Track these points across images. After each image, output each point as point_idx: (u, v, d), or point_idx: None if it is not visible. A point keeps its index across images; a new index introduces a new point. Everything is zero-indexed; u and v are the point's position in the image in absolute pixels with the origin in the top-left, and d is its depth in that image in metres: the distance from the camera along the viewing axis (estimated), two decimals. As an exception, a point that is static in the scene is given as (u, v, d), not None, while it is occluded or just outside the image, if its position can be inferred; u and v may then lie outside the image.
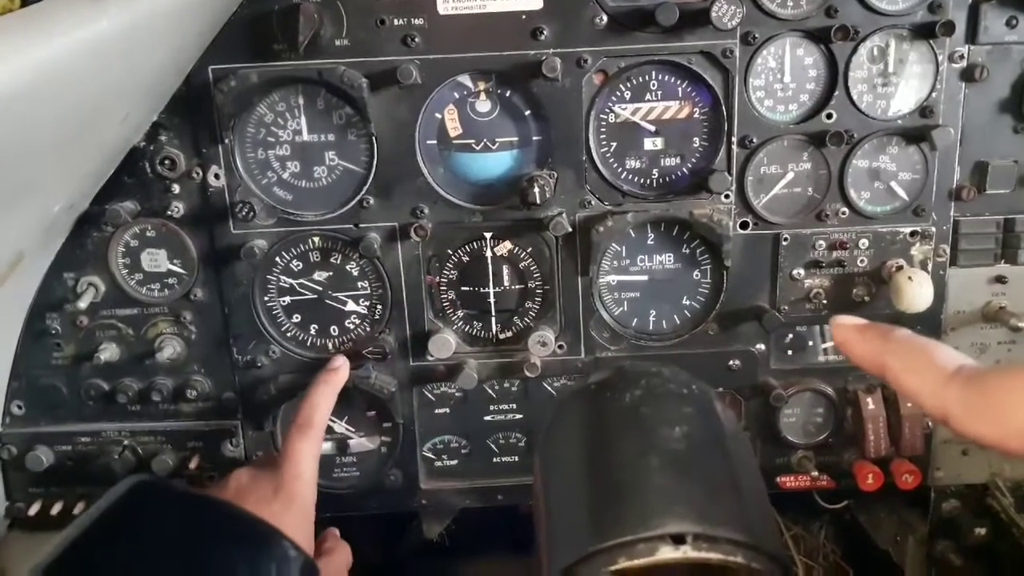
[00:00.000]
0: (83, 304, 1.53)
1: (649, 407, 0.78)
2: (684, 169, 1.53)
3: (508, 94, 1.49)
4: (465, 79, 1.47)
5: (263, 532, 1.05)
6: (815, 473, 1.67)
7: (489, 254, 1.57)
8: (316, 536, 1.41)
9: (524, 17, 1.42)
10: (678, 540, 0.64)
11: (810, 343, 1.63)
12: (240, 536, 1.04)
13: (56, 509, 1.62)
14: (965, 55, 1.46)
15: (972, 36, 1.45)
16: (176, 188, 1.51)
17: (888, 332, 0.71)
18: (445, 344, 1.57)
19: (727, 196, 1.53)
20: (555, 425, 0.87)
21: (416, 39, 1.42)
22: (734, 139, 1.49)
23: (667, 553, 0.64)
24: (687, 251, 1.58)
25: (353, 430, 1.68)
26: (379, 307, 1.59)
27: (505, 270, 1.58)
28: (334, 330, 1.61)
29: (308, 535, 1.33)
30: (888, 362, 0.70)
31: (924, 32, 1.44)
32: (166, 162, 1.49)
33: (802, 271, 1.56)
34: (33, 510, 1.62)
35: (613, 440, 0.76)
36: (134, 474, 1.05)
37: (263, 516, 1.27)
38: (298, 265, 1.57)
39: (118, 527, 0.98)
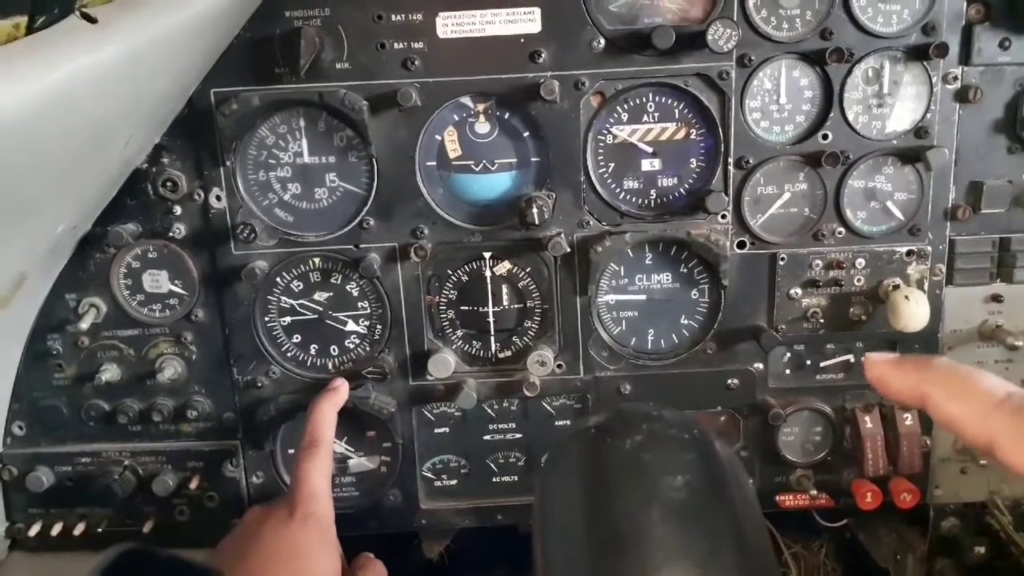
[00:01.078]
0: (84, 325, 1.54)
1: (650, 454, 0.77)
2: (681, 190, 1.54)
3: (507, 116, 1.51)
4: (465, 99, 1.49)
5: None
6: (814, 492, 1.67)
7: (488, 274, 1.58)
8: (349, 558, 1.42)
9: (523, 40, 1.44)
10: None
11: (808, 362, 1.63)
12: None
13: (56, 530, 1.62)
14: (959, 76, 1.48)
15: (966, 58, 1.47)
16: (178, 210, 1.52)
17: (927, 362, 0.69)
18: (444, 364, 1.57)
19: (724, 216, 1.54)
20: (553, 468, 0.86)
21: (416, 62, 1.44)
22: (731, 160, 1.51)
23: None
24: (685, 271, 1.59)
25: (353, 450, 1.69)
26: (379, 327, 1.60)
27: (504, 290, 1.59)
28: (334, 350, 1.62)
29: (332, 551, 1.33)
30: (929, 391, 0.67)
31: (918, 54, 1.46)
32: (168, 184, 1.50)
33: (799, 290, 1.57)
34: (33, 531, 1.62)
35: (614, 488, 0.76)
36: (122, 543, 1.02)
37: (283, 539, 1.27)
38: (299, 286, 1.58)
39: None
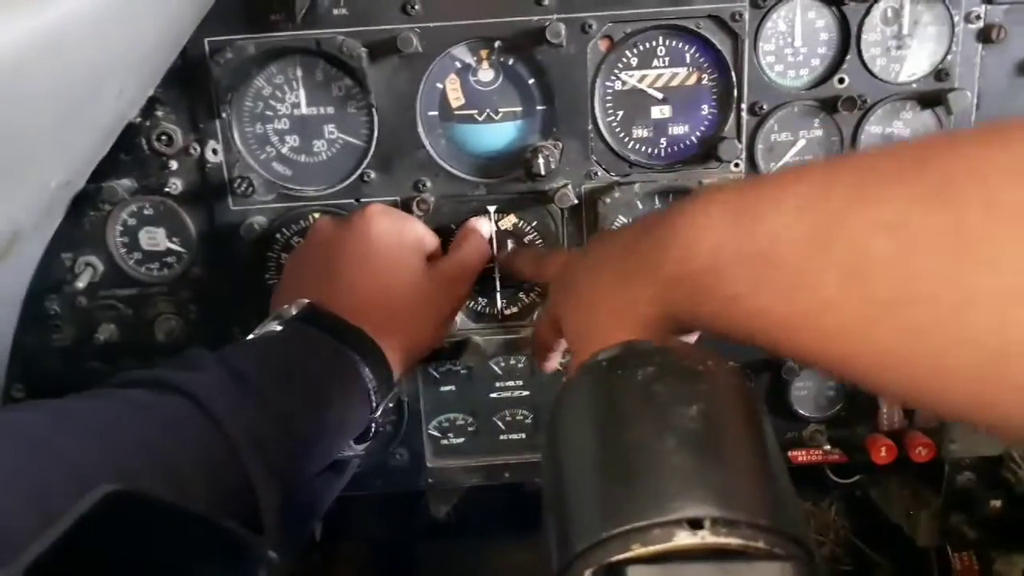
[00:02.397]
0: (81, 284, 1.51)
1: (663, 384, 0.73)
2: (693, 137, 1.49)
3: (511, 62, 1.45)
4: (465, 54, 1.44)
5: (249, 548, 0.98)
6: (827, 447, 1.65)
7: (493, 228, 1.54)
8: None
9: None
10: (695, 525, 0.61)
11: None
12: (225, 553, 0.98)
13: (59, 492, 1.61)
14: (982, 15, 1.42)
15: (989, -5, 1.41)
16: (174, 164, 1.48)
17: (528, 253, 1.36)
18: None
19: (737, 165, 1.49)
20: (562, 404, 0.83)
21: (416, 6, 1.39)
22: (744, 106, 1.46)
23: (684, 539, 0.60)
24: (696, 222, 1.55)
25: (358, 409, 1.66)
26: (382, 283, 1.56)
27: (510, 244, 1.55)
28: (337, 307, 1.58)
29: (409, 232, 1.38)
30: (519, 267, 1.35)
31: (939, -8, 1.40)
32: (163, 138, 1.45)
33: (814, 241, 1.53)
34: (36, 493, 1.61)
35: (625, 420, 0.72)
36: (105, 484, 0.96)
37: (357, 234, 1.31)
38: (299, 242, 1.54)
39: (88, 543, 0.91)
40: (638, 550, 0.61)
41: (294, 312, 1.16)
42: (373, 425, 1.22)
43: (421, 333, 1.30)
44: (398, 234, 1.35)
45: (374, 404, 1.16)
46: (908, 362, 0.63)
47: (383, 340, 1.18)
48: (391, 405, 1.23)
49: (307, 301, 1.17)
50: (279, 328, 1.14)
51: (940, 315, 0.58)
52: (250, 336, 1.17)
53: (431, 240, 1.45)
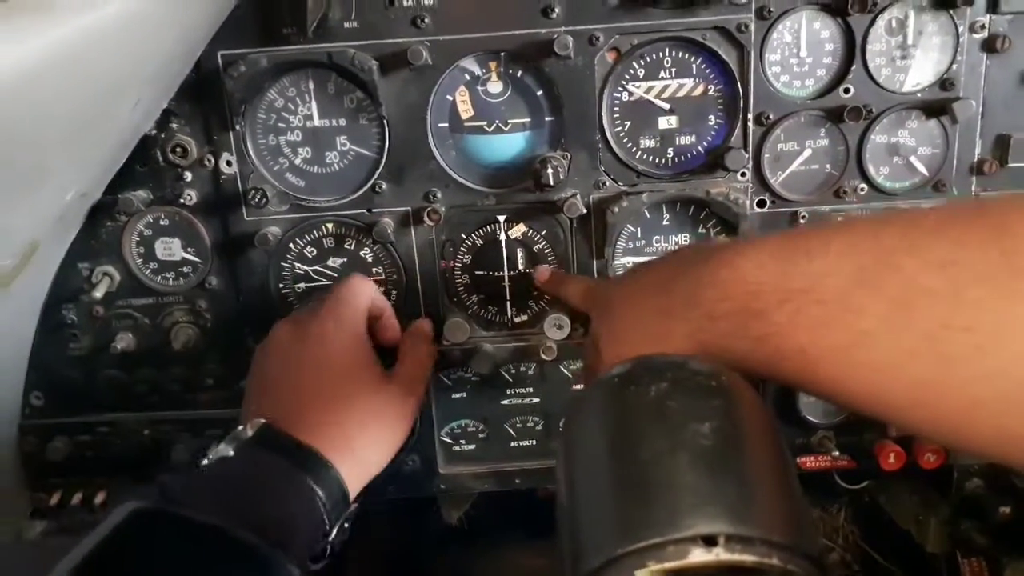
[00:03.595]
0: (98, 294, 1.53)
1: (676, 401, 0.75)
2: (700, 147, 1.51)
3: (520, 74, 1.47)
4: (474, 65, 1.46)
5: (270, 561, 1.00)
6: (836, 453, 1.65)
7: (503, 237, 1.56)
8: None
9: None
10: (710, 542, 0.62)
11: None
12: (248, 567, 0.99)
13: (76, 499, 1.63)
14: (986, 25, 1.43)
15: (993, 5, 1.41)
16: (188, 176, 1.51)
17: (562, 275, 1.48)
18: (460, 328, 1.56)
19: (743, 174, 1.50)
20: (575, 420, 0.84)
21: (426, 20, 1.41)
22: (750, 116, 1.47)
23: (699, 556, 0.61)
24: (704, 231, 1.56)
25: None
26: (394, 292, 1.59)
27: (520, 253, 1.57)
28: (349, 316, 1.60)
29: (364, 345, 1.35)
30: (556, 289, 1.45)
31: (944, 2, 1.41)
32: (178, 150, 1.48)
33: (821, 249, 1.54)
34: (54, 500, 1.63)
35: (639, 436, 0.73)
36: (132, 500, 0.96)
37: (312, 341, 1.29)
38: (312, 252, 1.57)
39: (120, 560, 0.90)
40: (653, 567, 0.62)
41: (250, 434, 1.14)
42: (328, 546, 1.17)
43: (376, 452, 1.27)
44: (353, 340, 1.34)
45: (327, 527, 1.14)
46: (938, 394, 0.66)
47: (338, 460, 1.16)
48: (347, 525, 1.22)
49: (263, 421, 1.15)
50: (232, 454, 1.11)
51: (975, 343, 0.62)
52: (205, 461, 1.11)
53: (379, 304, 1.47)
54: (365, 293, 1.41)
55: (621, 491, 0.70)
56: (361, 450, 1.22)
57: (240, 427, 1.16)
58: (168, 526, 0.93)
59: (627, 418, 0.76)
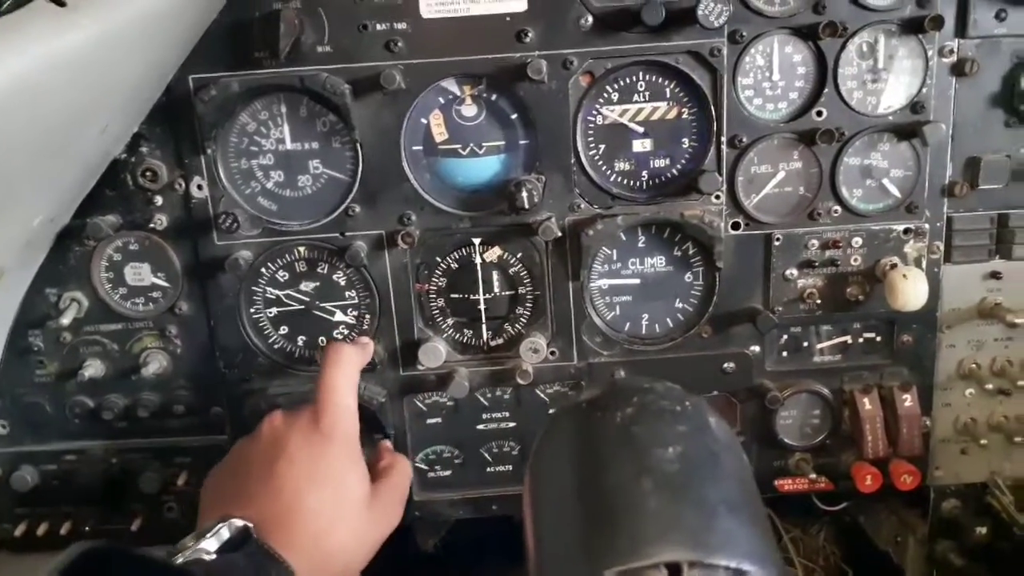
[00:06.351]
0: (66, 320, 1.51)
1: (641, 426, 0.75)
2: (674, 170, 1.51)
3: (494, 98, 1.47)
4: (452, 84, 1.45)
5: None
6: (813, 475, 1.65)
7: (478, 260, 1.55)
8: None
9: (508, 19, 1.40)
10: (674, 570, 0.61)
11: (805, 344, 1.61)
12: None
13: (42, 530, 1.59)
14: (955, 49, 1.44)
15: (961, 30, 1.43)
16: (158, 200, 1.49)
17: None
18: (435, 353, 1.54)
19: (718, 197, 1.51)
20: (545, 445, 0.84)
21: (399, 44, 1.40)
22: (723, 139, 1.47)
23: None
24: (679, 253, 1.56)
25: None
26: (367, 317, 1.57)
27: (495, 276, 1.56)
28: (322, 341, 1.58)
29: (357, 463, 1.26)
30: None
31: (913, 27, 1.42)
32: (148, 173, 1.46)
33: (795, 271, 1.54)
34: (19, 531, 1.59)
35: (605, 462, 0.73)
36: (82, 541, 0.94)
37: (313, 457, 1.21)
38: (284, 276, 1.55)
39: None
40: None
41: (227, 536, 1.11)
42: None
43: (351, 566, 1.24)
44: (353, 466, 1.27)
45: None
46: None
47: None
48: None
49: (242, 524, 1.12)
50: (208, 559, 1.07)
51: None
52: (179, 559, 1.07)
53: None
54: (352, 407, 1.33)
55: (586, 518, 0.70)
56: (335, 566, 1.19)
57: (219, 525, 1.11)
58: (123, 567, 0.92)
59: (592, 444, 0.76)
